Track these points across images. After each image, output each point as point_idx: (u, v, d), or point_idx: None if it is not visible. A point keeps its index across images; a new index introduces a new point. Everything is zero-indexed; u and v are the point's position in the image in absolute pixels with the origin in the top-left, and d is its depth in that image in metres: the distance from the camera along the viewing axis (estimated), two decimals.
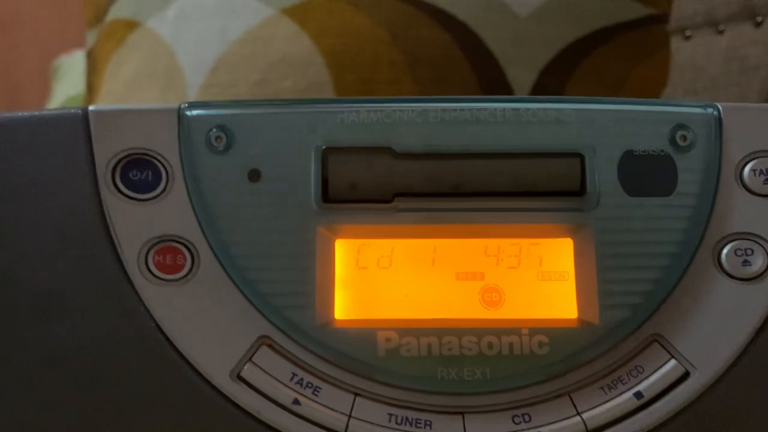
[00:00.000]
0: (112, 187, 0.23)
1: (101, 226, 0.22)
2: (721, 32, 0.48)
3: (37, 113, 0.23)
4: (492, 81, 0.45)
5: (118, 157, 0.23)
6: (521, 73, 0.45)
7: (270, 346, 0.22)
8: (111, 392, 0.21)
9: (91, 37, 0.55)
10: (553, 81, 0.46)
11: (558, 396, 0.22)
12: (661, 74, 0.49)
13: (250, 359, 0.22)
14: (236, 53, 0.48)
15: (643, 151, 0.23)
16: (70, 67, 0.75)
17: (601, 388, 0.22)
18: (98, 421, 0.21)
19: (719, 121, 0.23)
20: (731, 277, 0.23)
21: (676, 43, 0.50)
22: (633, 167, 0.23)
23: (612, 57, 0.47)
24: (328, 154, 0.23)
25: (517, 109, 0.23)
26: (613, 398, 0.22)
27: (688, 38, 0.50)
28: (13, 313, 0.22)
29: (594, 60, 0.47)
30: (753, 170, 0.23)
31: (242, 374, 0.22)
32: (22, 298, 0.22)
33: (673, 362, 0.22)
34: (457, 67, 0.46)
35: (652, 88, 0.49)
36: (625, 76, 0.48)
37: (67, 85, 0.73)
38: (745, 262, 0.23)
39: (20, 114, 0.23)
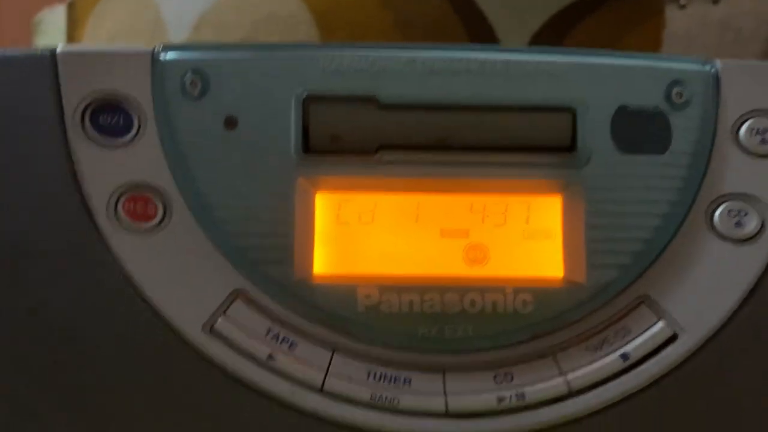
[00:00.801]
0: (80, 131, 0.21)
1: (69, 172, 0.21)
2: (716, 2, 0.47)
3: (4, 53, 0.22)
4: (483, 39, 0.44)
5: (88, 100, 0.22)
6: (514, 38, 0.44)
7: (245, 300, 0.21)
8: (79, 345, 0.20)
9: None
10: (545, 46, 0.45)
11: (541, 356, 0.21)
12: (654, 43, 0.49)
13: (223, 312, 0.21)
14: (221, 10, 0.46)
15: (637, 108, 0.22)
16: (52, 22, 0.72)
17: (587, 349, 0.21)
18: (65, 376, 0.20)
19: (717, 78, 0.23)
20: (723, 238, 0.22)
21: (670, 12, 0.49)
22: (626, 124, 0.22)
23: (603, 24, 0.46)
24: (309, 102, 0.22)
25: (508, 61, 0.22)
26: (598, 359, 0.21)
27: (683, 7, 0.49)
28: None
29: (585, 27, 0.46)
30: (750, 129, 0.22)
31: (215, 327, 0.21)
32: None
33: (660, 324, 0.21)
34: (449, 31, 0.45)
35: None
36: (617, 44, 0.47)
37: (48, 40, 0.71)
38: (738, 224, 0.22)
39: None
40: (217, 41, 0.46)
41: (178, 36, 0.47)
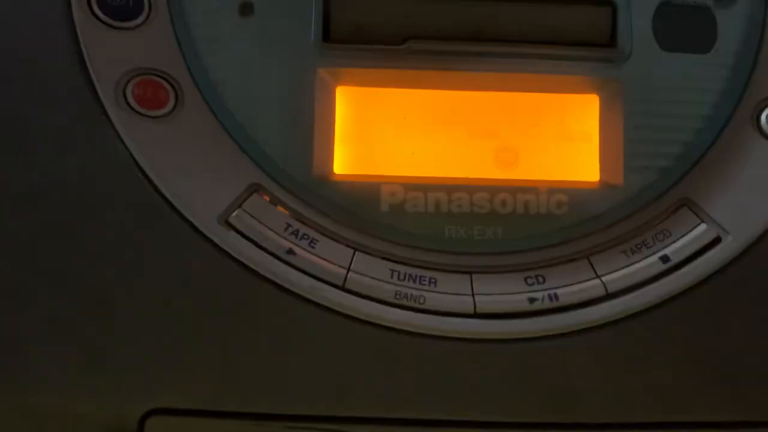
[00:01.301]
0: (87, 10, 0.20)
1: (75, 54, 0.20)
2: None
3: None
4: None
5: None
6: None
7: (262, 195, 0.20)
8: (88, 234, 0.19)
9: None
10: None
11: (575, 259, 0.20)
12: None
13: (240, 206, 0.20)
14: None
15: (681, 2, 0.21)
16: None
17: (623, 252, 0.20)
18: (75, 266, 0.19)
19: None
20: None
21: None
22: (669, 19, 0.21)
23: None
24: None
25: None
26: (636, 262, 0.20)
27: None
28: None
29: None
30: None
31: (230, 220, 0.20)
32: None
33: (703, 226, 0.20)
34: None
35: None
36: None
37: None
38: None
39: None
40: None
41: None
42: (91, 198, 0.19)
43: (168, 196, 0.19)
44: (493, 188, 0.20)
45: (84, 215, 0.19)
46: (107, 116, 0.20)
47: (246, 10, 0.20)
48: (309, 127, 0.20)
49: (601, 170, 0.21)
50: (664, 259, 0.20)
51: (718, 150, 0.21)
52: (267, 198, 0.20)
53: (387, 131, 0.21)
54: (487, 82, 0.21)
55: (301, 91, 0.20)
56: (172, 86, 0.20)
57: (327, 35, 0.20)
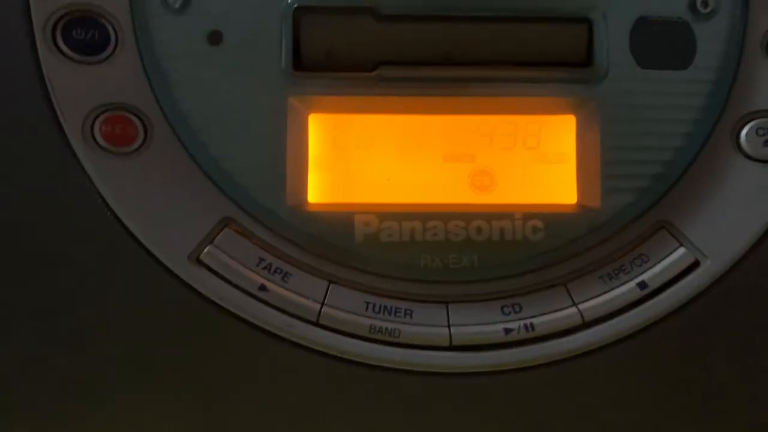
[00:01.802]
0: (52, 46, 0.20)
1: (40, 91, 0.19)
2: None
3: None
4: None
5: (60, 13, 0.20)
6: None
7: (234, 229, 0.20)
8: (58, 275, 0.19)
9: None
10: None
11: (552, 286, 0.20)
12: None
13: (211, 242, 0.20)
14: None
15: (658, 18, 0.20)
16: None
17: (601, 277, 0.20)
18: (45, 307, 0.19)
19: None
20: (751, 158, 0.20)
21: None
22: (647, 36, 0.20)
23: None
24: (300, 14, 0.20)
25: None
26: (613, 288, 0.20)
27: None
28: None
29: None
30: None
31: (201, 257, 0.20)
32: None
33: (681, 250, 0.20)
34: None
35: None
36: None
37: None
38: (767, 142, 0.20)
39: None
40: None
41: None
42: (60, 236, 0.19)
43: (138, 235, 0.19)
44: (468, 215, 0.20)
45: (54, 254, 0.19)
46: (74, 154, 0.19)
47: (215, 38, 0.20)
48: (281, 156, 0.20)
49: (579, 193, 0.20)
50: (642, 285, 0.20)
51: (697, 169, 0.20)
52: (239, 231, 0.20)
53: (361, 158, 0.21)
54: (460, 106, 0.21)
55: (273, 120, 0.20)
56: (141, 120, 0.20)
57: (297, 63, 0.20)
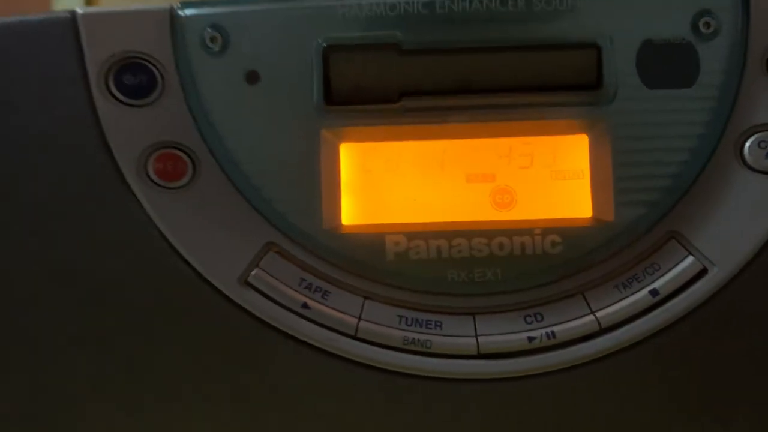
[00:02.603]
0: (106, 92, 0.22)
1: (97, 134, 0.21)
2: None
3: (24, 18, 0.22)
4: None
5: (111, 61, 0.22)
6: None
7: (277, 252, 0.22)
8: (118, 302, 0.21)
9: None
10: None
11: (571, 295, 0.21)
12: None
13: (257, 265, 0.22)
14: None
15: (663, 40, 0.22)
16: None
17: (616, 286, 0.21)
18: (107, 332, 0.21)
19: (746, 5, 0.22)
20: (754, 170, 0.22)
21: None
22: (652, 58, 0.22)
23: None
24: (329, 52, 0.22)
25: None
26: (627, 296, 0.21)
27: None
28: (13, 225, 0.21)
29: None
30: None
31: (249, 280, 0.21)
32: (23, 210, 0.21)
33: (690, 259, 0.21)
34: None
35: None
36: None
37: (66, 4, 0.71)
38: None
39: (7, 20, 0.22)
40: None
41: None
42: (120, 267, 0.21)
43: (191, 261, 0.21)
44: (490, 232, 0.22)
45: (116, 283, 0.21)
46: (131, 190, 0.21)
47: (252, 78, 0.22)
48: (317, 183, 0.22)
49: (593, 207, 0.22)
50: (654, 292, 0.21)
51: (703, 181, 0.22)
52: (281, 254, 0.22)
53: (389, 182, 0.22)
54: (480, 131, 0.22)
55: (308, 151, 0.22)
56: (189, 157, 0.22)
57: (328, 98, 0.22)
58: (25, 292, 0.21)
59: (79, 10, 0.22)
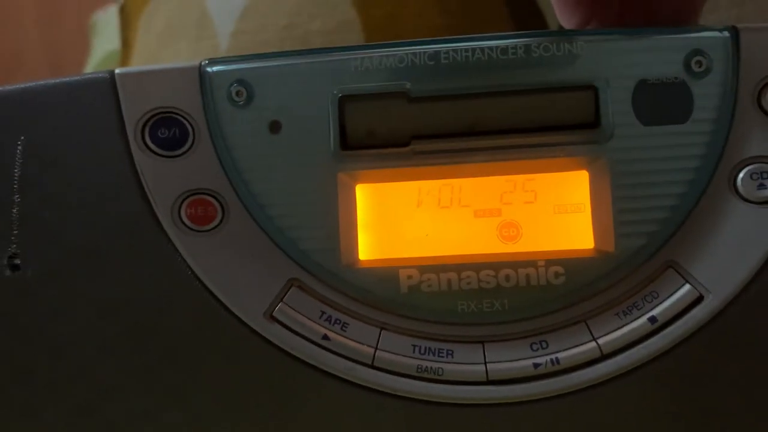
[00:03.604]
0: (142, 145, 0.24)
1: (135, 184, 0.24)
2: None
3: (67, 80, 0.25)
4: (522, 8, 0.44)
5: (146, 116, 0.24)
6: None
7: (299, 287, 0.23)
8: (157, 337, 0.23)
9: None
10: None
11: (574, 323, 0.23)
12: None
13: (281, 300, 0.23)
14: None
15: (657, 80, 0.23)
16: (106, 22, 0.76)
17: (617, 314, 0.23)
18: (148, 365, 0.23)
19: (737, 44, 0.23)
20: (746, 201, 0.23)
21: None
22: (647, 96, 0.23)
23: None
24: (344, 102, 0.23)
25: (529, 45, 0.23)
26: (627, 323, 0.23)
27: None
28: (61, 268, 0.23)
29: None
30: None
31: (275, 314, 0.23)
32: (68, 255, 0.23)
33: (687, 287, 0.23)
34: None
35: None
36: None
37: (104, 41, 0.74)
38: (761, 186, 0.23)
39: (52, 82, 0.24)
40: (261, 28, 0.48)
41: (224, 28, 0.49)
42: (157, 305, 0.23)
43: (221, 298, 0.23)
44: (497, 264, 0.23)
45: (152, 320, 0.23)
46: (166, 235, 0.23)
47: (275, 127, 0.24)
48: (335, 223, 0.23)
49: (595, 239, 0.23)
50: (652, 319, 0.23)
51: (699, 212, 0.23)
52: (303, 289, 0.24)
53: (403, 219, 0.24)
54: (486, 170, 0.24)
55: (326, 193, 0.24)
56: (219, 202, 0.24)
57: (344, 143, 0.24)
58: (74, 329, 0.23)
59: (117, 71, 0.24)
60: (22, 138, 0.24)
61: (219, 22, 0.49)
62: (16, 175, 0.24)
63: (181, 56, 0.47)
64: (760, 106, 0.23)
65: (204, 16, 0.49)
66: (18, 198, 0.24)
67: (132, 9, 0.55)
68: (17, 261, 0.23)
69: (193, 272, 0.23)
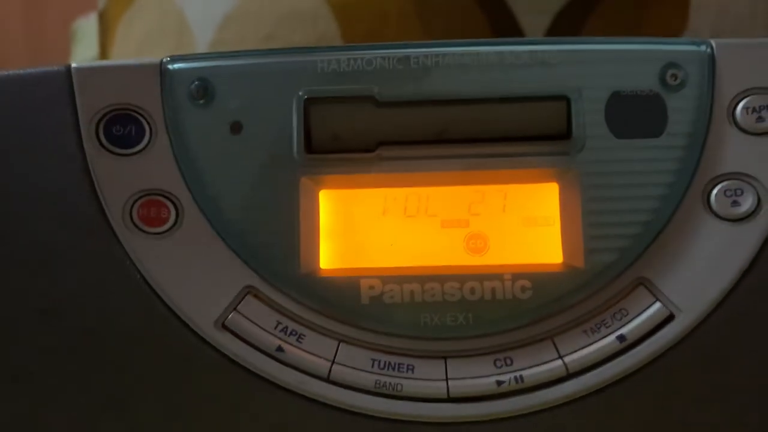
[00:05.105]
0: (96, 142, 0.23)
1: (86, 181, 0.23)
2: None
3: (21, 71, 0.24)
4: (504, 28, 0.44)
5: (102, 112, 0.23)
6: (534, 19, 0.44)
7: (255, 296, 0.22)
8: (101, 341, 0.22)
9: None
10: (567, 26, 0.45)
11: (540, 340, 0.22)
12: (681, 16, 0.48)
13: (235, 308, 0.22)
14: (244, 9, 0.47)
15: (631, 92, 0.23)
16: (86, 29, 0.75)
17: (584, 331, 0.22)
18: (89, 368, 0.22)
19: (712, 58, 0.23)
20: (720, 218, 0.22)
21: None
22: (621, 108, 0.23)
23: (628, 0, 0.46)
24: (309, 104, 0.23)
25: (501, 53, 0.23)
26: (595, 341, 0.22)
27: None
28: (5, 265, 0.22)
29: (610, 3, 0.46)
30: (746, 108, 0.23)
31: (226, 323, 0.22)
32: (13, 252, 0.22)
33: (657, 305, 0.22)
34: (468, 15, 0.45)
35: (671, 31, 0.48)
36: (642, 20, 0.47)
37: (83, 47, 0.74)
38: (735, 203, 0.22)
39: (6, 73, 0.23)
40: (241, 39, 0.47)
41: (204, 37, 0.48)
42: (103, 309, 0.22)
43: (171, 305, 0.22)
44: (462, 276, 0.22)
45: (97, 325, 0.22)
46: (115, 235, 0.22)
47: (236, 128, 0.23)
48: (296, 229, 0.23)
49: (564, 253, 0.22)
50: (621, 338, 0.22)
51: (671, 229, 0.22)
52: (259, 298, 0.23)
53: (366, 227, 0.23)
54: (454, 179, 0.23)
55: (288, 197, 0.23)
56: (173, 203, 0.23)
57: (308, 147, 0.23)
58: (15, 330, 0.22)
59: (74, 65, 0.23)
60: None
61: (199, 31, 0.48)
62: None
63: None
64: (735, 122, 0.23)
65: (183, 25, 0.49)
66: None
67: (111, 16, 0.55)
68: None
69: (142, 276, 0.22)
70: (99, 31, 0.57)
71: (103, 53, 0.56)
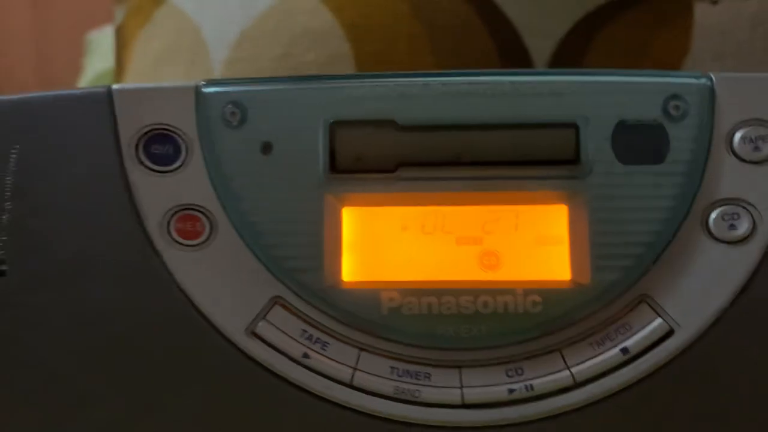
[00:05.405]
0: (135, 160, 0.24)
1: (126, 197, 0.24)
2: None
3: (64, 92, 0.25)
4: (511, 51, 0.46)
5: (141, 132, 0.25)
6: (540, 43, 0.46)
7: (282, 306, 0.24)
8: (139, 349, 0.23)
9: (119, 14, 0.57)
10: (572, 49, 0.46)
11: (549, 352, 0.23)
12: (684, 40, 0.49)
13: (264, 317, 0.24)
14: (259, 27, 0.49)
15: (636, 121, 0.24)
16: (101, 42, 0.77)
17: (590, 344, 0.23)
18: (128, 375, 0.23)
19: (712, 90, 0.24)
20: (718, 240, 0.24)
21: (702, 8, 0.49)
22: (626, 136, 0.24)
23: (632, 24, 0.47)
24: (335, 127, 0.24)
25: (515, 83, 0.24)
26: (600, 353, 0.23)
27: (715, 2, 0.49)
28: (47, 276, 0.24)
29: (614, 27, 0.47)
30: (743, 138, 0.24)
31: (256, 330, 0.24)
32: (55, 264, 0.24)
33: (659, 320, 0.23)
34: (476, 38, 0.46)
35: (674, 55, 0.49)
36: (646, 43, 0.48)
37: (97, 60, 0.75)
38: (732, 226, 0.24)
39: (50, 94, 0.25)
40: (255, 57, 0.49)
41: (219, 54, 0.50)
42: (139, 316, 0.24)
43: (205, 313, 0.23)
44: (476, 291, 0.24)
45: (136, 331, 0.24)
46: (153, 247, 0.24)
47: (266, 149, 0.25)
48: (321, 243, 0.24)
49: (572, 271, 0.24)
50: (624, 350, 0.23)
51: (672, 249, 0.24)
52: (286, 308, 0.24)
53: (386, 243, 0.25)
54: (469, 199, 0.24)
55: (313, 214, 0.24)
56: (207, 218, 0.24)
57: (333, 167, 0.24)
58: (57, 339, 0.23)
59: (115, 86, 0.25)
60: (17, 147, 0.24)
61: (214, 48, 0.50)
62: (8, 183, 0.24)
63: (175, 79, 0.48)
64: (732, 151, 0.24)
65: (199, 41, 0.50)
66: (9, 205, 0.24)
67: (129, 31, 0.56)
68: (3, 267, 0.24)
69: (178, 285, 0.24)
70: (116, 46, 0.58)
71: (119, 66, 0.57)
